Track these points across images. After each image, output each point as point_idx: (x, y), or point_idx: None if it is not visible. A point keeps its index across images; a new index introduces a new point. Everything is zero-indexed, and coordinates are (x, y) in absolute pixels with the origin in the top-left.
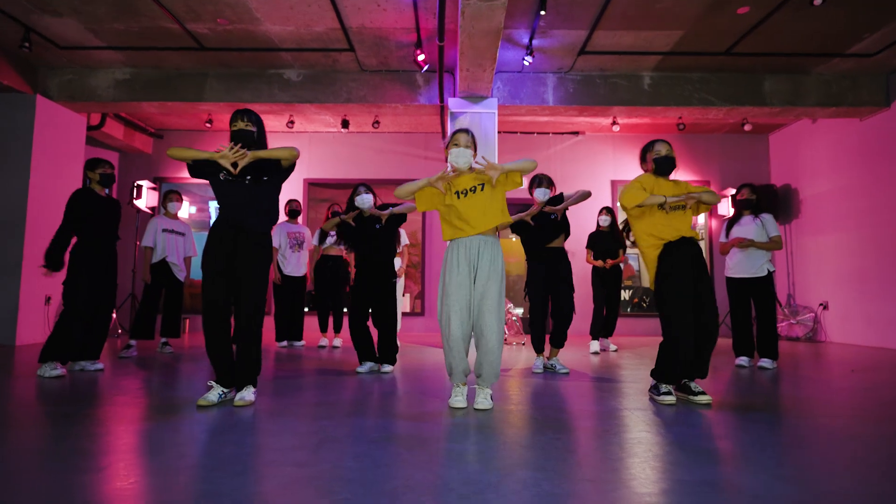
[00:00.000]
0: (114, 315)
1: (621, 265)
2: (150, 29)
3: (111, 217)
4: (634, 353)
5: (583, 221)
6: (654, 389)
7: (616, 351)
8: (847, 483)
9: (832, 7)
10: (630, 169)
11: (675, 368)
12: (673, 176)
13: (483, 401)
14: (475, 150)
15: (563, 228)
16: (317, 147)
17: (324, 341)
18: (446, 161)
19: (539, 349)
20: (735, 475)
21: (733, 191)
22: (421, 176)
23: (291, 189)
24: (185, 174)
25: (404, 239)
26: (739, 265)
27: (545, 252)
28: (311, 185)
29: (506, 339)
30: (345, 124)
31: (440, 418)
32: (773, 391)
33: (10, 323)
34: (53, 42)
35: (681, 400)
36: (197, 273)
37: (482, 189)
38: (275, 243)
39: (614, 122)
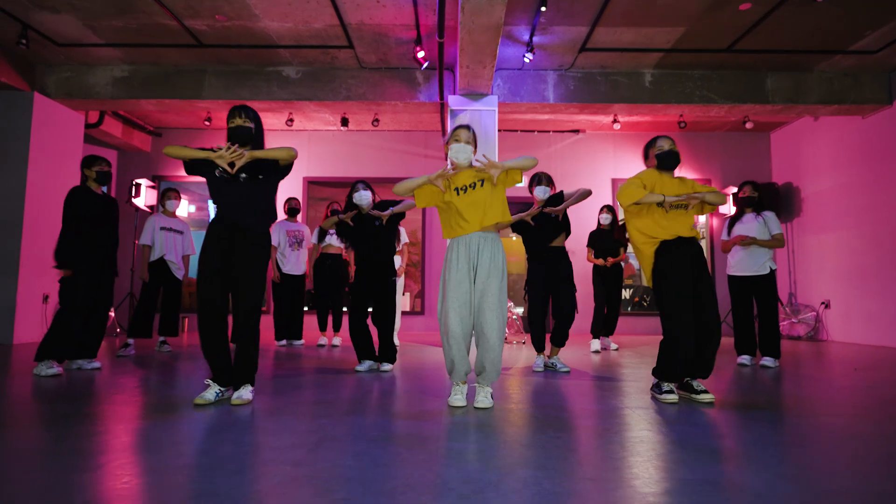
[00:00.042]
0: (112, 314)
1: (622, 263)
2: (149, 25)
3: (108, 215)
4: (635, 351)
5: (583, 220)
6: (656, 388)
7: (617, 350)
8: (849, 482)
9: (834, 4)
10: (631, 167)
11: (675, 368)
12: (676, 174)
13: (483, 399)
14: (475, 147)
15: (564, 227)
16: (316, 145)
17: (323, 340)
18: (446, 158)
19: (539, 348)
20: (738, 474)
21: (735, 189)
22: (421, 174)
23: (291, 187)
24: (184, 172)
25: (404, 237)
26: (741, 263)
27: (546, 252)
28: (311, 183)
29: (506, 338)
30: (344, 122)
31: (440, 417)
32: (776, 390)
33: (7, 321)
34: (51, 39)
35: (683, 399)
36: (195, 271)
37: (482, 185)
38: (274, 241)
39: (615, 120)
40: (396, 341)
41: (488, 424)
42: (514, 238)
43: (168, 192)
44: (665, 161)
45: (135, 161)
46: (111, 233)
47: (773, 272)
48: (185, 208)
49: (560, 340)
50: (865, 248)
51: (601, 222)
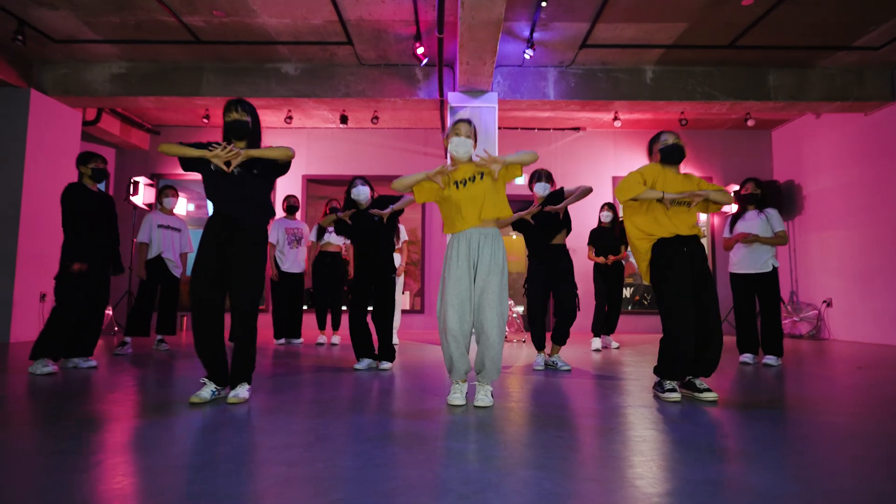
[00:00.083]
0: (110, 312)
1: (623, 262)
2: (146, 22)
3: (104, 213)
4: (636, 350)
5: (584, 218)
6: (658, 386)
7: (618, 348)
8: (853, 482)
9: None
10: (631, 165)
11: (676, 366)
12: (683, 171)
13: (483, 398)
14: (475, 142)
15: (565, 224)
16: (315, 143)
17: (322, 339)
18: (446, 152)
19: (540, 347)
20: (742, 474)
21: (736, 187)
22: (420, 172)
23: (290, 185)
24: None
25: (403, 235)
26: (744, 261)
27: (547, 249)
28: (310, 181)
29: (506, 337)
30: (343, 120)
31: (439, 416)
32: (779, 388)
33: (4, 319)
34: (48, 35)
35: (686, 397)
36: None
37: (481, 178)
38: (272, 239)
39: (616, 118)
40: (396, 340)
41: (488, 423)
42: (514, 237)
43: (166, 190)
44: (669, 155)
45: (133, 159)
46: (109, 230)
47: (775, 270)
48: (183, 207)
49: (561, 339)
50: (867, 246)
51: (602, 220)
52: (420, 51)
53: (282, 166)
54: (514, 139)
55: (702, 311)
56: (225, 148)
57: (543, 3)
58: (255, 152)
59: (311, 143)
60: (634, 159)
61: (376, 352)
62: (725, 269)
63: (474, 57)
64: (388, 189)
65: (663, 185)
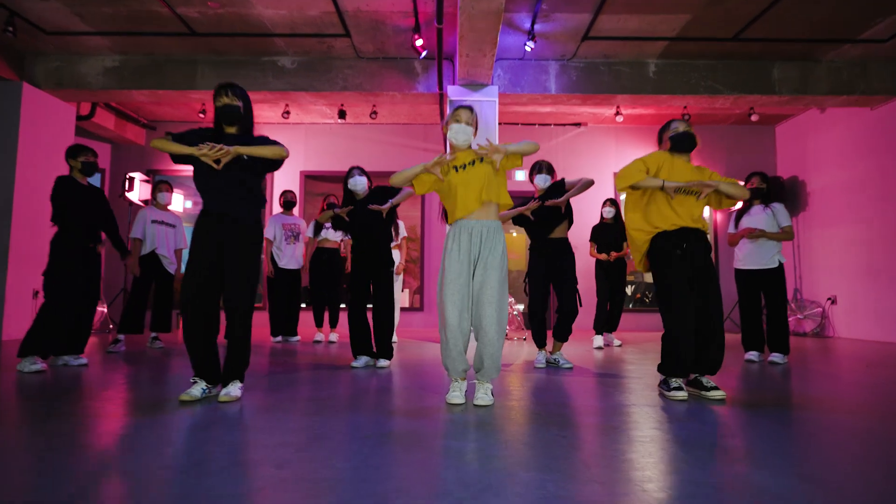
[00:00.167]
0: (105, 309)
1: (626, 258)
2: (139, 13)
3: (94, 207)
4: (638, 348)
5: (586, 214)
6: (664, 385)
7: (620, 346)
8: (862, 482)
9: None
10: None
11: (676, 366)
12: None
13: (483, 396)
14: (476, 130)
15: (566, 217)
16: (313, 139)
17: (319, 336)
18: (444, 140)
19: (541, 343)
20: (752, 475)
21: (741, 182)
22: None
23: (287, 181)
24: (179, 167)
25: (402, 231)
26: (749, 257)
27: (547, 243)
28: (308, 177)
29: (507, 335)
30: (342, 114)
31: (438, 415)
32: (785, 386)
33: None
34: (39, 27)
35: (692, 396)
36: None
37: (481, 162)
38: (269, 235)
39: (618, 113)
40: (395, 338)
41: (488, 422)
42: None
43: (160, 185)
44: (680, 143)
45: (129, 154)
46: (103, 222)
47: (781, 265)
48: (180, 203)
49: (563, 335)
50: (872, 242)
51: (604, 216)
52: (419, 43)
53: (273, 163)
54: (514, 135)
55: (702, 310)
56: (213, 147)
57: None
58: (244, 149)
59: (308, 139)
60: (636, 155)
61: (374, 349)
62: (729, 265)
63: (474, 49)
64: (387, 183)
65: (669, 174)
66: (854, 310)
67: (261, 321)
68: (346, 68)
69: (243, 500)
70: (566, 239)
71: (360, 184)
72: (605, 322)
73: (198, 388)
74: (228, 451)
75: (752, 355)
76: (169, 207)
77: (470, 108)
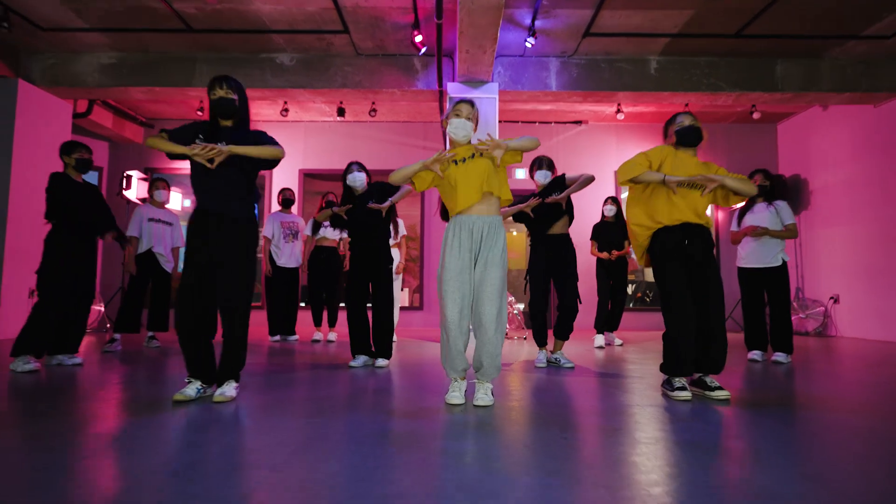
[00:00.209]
0: (102, 309)
1: (627, 257)
2: (135, 8)
3: (89, 204)
4: (640, 347)
5: (587, 212)
6: (667, 385)
7: (621, 345)
8: (866, 482)
9: None
10: None
11: (677, 365)
12: (702, 161)
13: (483, 396)
14: (476, 125)
15: (567, 212)
16: (312, 137)
17: (318, 335)
18: (444, 135)
19: (541, 342)
20: (761, 478)
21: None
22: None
23: (286, 179)
24: (177, 164)
25: (402, 229)
26: (752, 255)
27: (547, 239)
28: (307, 175)
29: (507, 334)
30: (341, 112)
31: (437, 415)
32: (789, 386)
33: None
34: (34, 23)
35: (696, 395)
36: None
37: (480, 156)
38: (268, 233)
39: (619, 110)
40: (395, 337)
41: (488, 423)
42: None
43: (157, 182)
44: (685, 137)
45: (126, 153)
46: (99, 217)
47: (785, 264)
48: (179, 202)
49: (564, 333)
50: (876, 241)
51: (605, 214)
52: (418, 39)
53: (268, 162)
54: (514, 133)
55: (703, 309)
56: (205, 147)
57: None
58: (238, 149)
59: (307, 137)
60: (637, 153)
61: (373, 348)
62: (732, 263)
63: (474, 45)
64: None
65: (673, 168)
66: (857, 309)
67: (259, 320)
68: (346, 65)
69: None
70: (567, 235)
71: (358, 179)
72: (607, 321)
73: (192, 388)
74: (224, 453)
75: (756, 355)
76: (167, 206)
77: (471, 103)
